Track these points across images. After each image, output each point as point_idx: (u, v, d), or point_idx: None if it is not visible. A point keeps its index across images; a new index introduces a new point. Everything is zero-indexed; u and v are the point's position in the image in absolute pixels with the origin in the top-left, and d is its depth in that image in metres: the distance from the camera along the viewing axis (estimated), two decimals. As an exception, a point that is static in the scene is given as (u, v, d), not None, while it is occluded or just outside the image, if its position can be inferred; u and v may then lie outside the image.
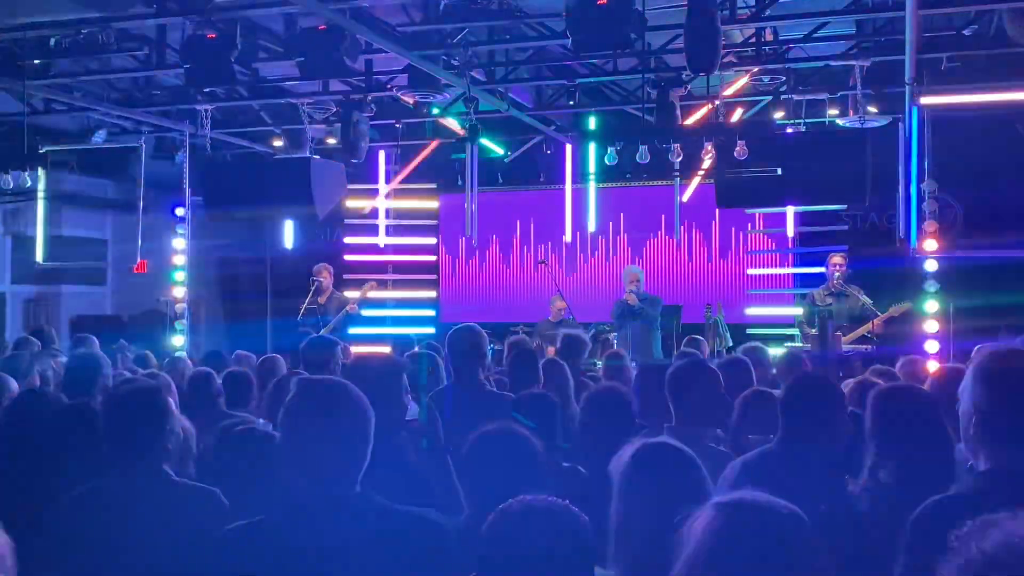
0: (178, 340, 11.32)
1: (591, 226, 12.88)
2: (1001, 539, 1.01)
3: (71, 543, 2.89)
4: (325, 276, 10.77)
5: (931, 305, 9.28)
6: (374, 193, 13.33)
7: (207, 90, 10.18)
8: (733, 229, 12.67)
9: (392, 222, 13.65)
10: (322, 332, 10.09)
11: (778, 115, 10.12)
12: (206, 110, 10.68)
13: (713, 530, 1.64)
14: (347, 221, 13.52)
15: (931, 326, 9.25)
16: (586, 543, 1.94)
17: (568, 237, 13.17)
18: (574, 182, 12.79)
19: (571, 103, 10.58)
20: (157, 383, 3.67)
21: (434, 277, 13.79)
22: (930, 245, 9.23)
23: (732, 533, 1.63)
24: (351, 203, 12.99)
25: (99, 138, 11.45)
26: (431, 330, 13.01)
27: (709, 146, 9.07)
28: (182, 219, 11.53)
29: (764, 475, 3.06)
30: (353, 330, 10.81)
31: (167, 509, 2.91)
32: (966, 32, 8.59)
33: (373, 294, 11.93)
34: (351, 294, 10.91)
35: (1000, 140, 8.97)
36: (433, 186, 13.54)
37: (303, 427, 2.34)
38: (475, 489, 2.83)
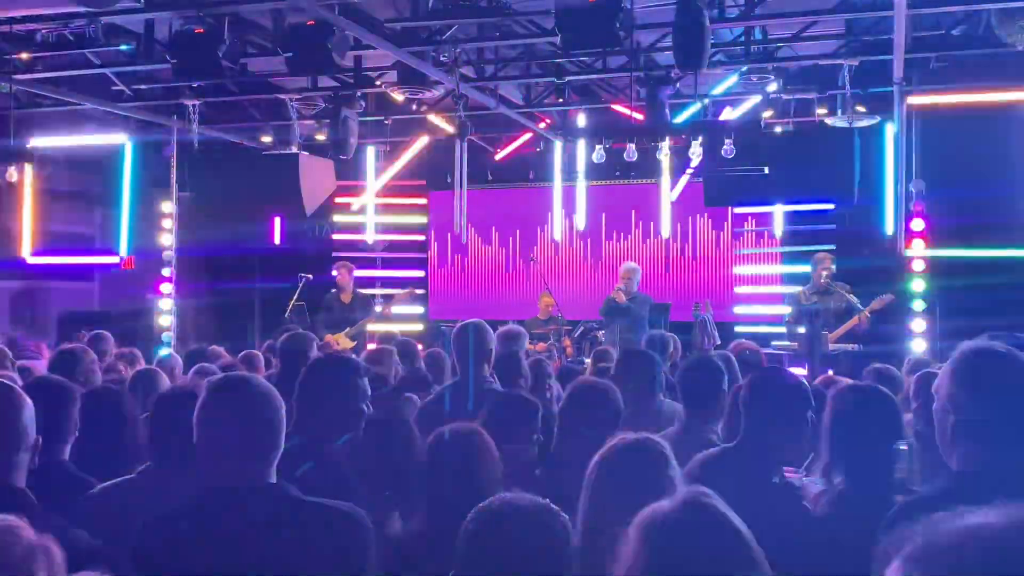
0: (165, 336, 11.29)
1: (580, 224, 12.89)
2: (945, 533, 1.01)
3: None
4: (344, 274, 10.57)
5: (918, 304, 9.31)
6: (363, 190, 13.30)
7: (195, 85, 10.13)
8: (721, 228, 12.68)
9: (381, 219, 13.62)
10: (347, 332, 9.98)
11: (767, 114, 10.12)
12: (194, 105, 10.62)
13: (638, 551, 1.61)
14: (336, 218, 13.48)
15: (918, 325, 9.29)
16: (565, 541, 1.93)
17: (557, 235, 13.18)
18: (563, 180, 12.78)
19: (560, 101, 10.57)
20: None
21: (423, 274, 13.77)
22: (917, 244, 9.27)
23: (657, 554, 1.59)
24: (340, 199, 12.95)
25: (87, 133, 11.40)
26: (419, 327, 13.02)
27: (697, 144, 9.06)
28: (169, 215, 11.49)
29: (720, 474, 3.04)
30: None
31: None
32: (955, 32, 8.61)
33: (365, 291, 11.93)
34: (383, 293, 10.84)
35: (988, 140, 8.99)
36: (422, 183, 13.51)
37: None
38: (433, 491, 2.83)
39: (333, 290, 10.56)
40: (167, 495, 2.59)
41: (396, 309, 11.01)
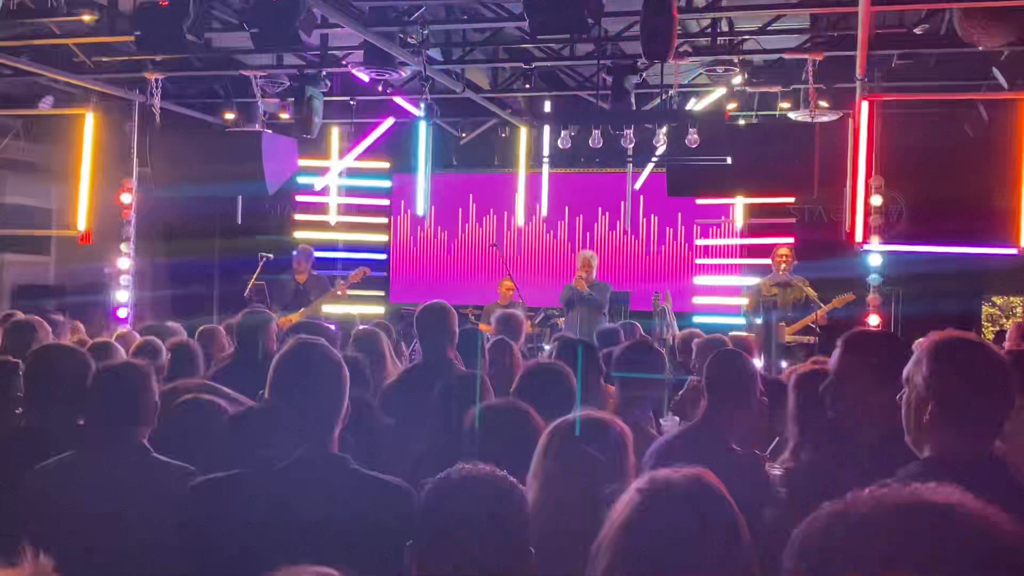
0: (122, 312, 11.15)
1: (544, 211, 12.91)
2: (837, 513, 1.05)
3: (46, 513, 2.93)
4: (301, 260, 10.64)
5: (874, 298, 9.44)
6: (326, 170, 13.21)
7: (159, 59, 10.00)
8: (683, 218, 12.77)
9: (344, 200, 13.55)
10: (302, 312, 9.95)
11: (731, 107, 10.19)
12: (157, 79, 10.48)
13: (630, 513, 1.65)
14: (298, 198, 13.39)
15: (873, 319, 9.41)
16: (522, 511, 1.96)
17: (520, 221, 13.19)
18: (528, 167, 12.78)
19: (527, 87, 10.56)
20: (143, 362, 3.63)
21: (384, 256, 13.73)
22: (875, 239, 9.39)
23: (648, 514, 1.63)
24: (302, 179, 12.86)
25: (46, 104, 11.21)
26: (380, 309, 12.99)
27: (662, 134, 9.11)
28: (129, 189, 11.34)
29: (683, 453, 3.09)
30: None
31: (145, 483, 2.96)
32: (917, 31, 8.71)
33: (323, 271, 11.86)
34: (337, 280, 10.80)
35: (947, 138, 9.13)
36: (386, 165, 13.46)
37: (287, 388, 2.51)
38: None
39: (289, 272, 10.54)
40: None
41: (355, 292, 10.98)
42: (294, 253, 10.65)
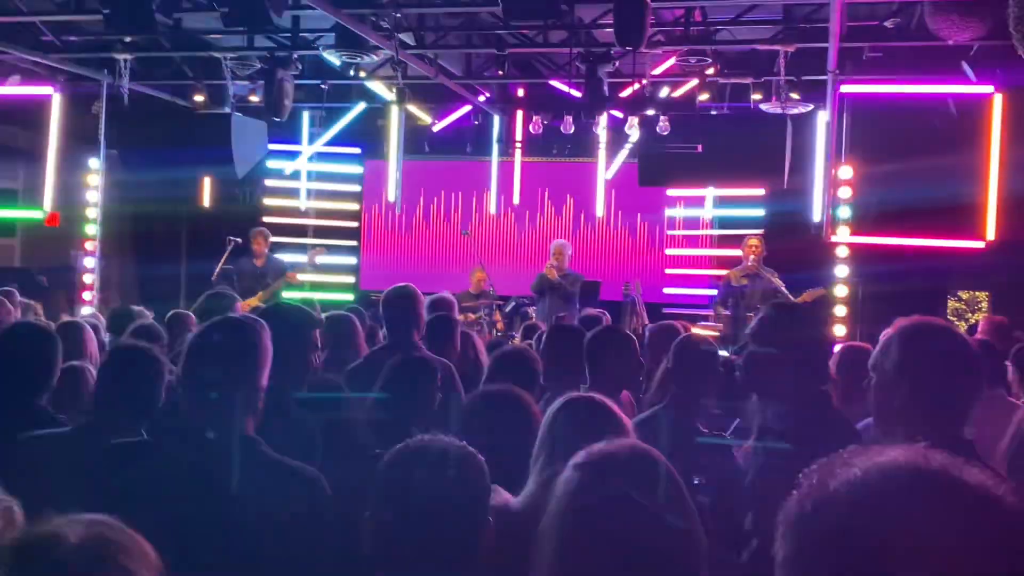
0: (88, 295, 11.03)
1: (516, 199, 12.89)
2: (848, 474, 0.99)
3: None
4: (260, 240, 10.59)
5: (840, 290, 9.50)
6: (296, 155, 13.11)
7: (127, 39, 9.87)
8: (654, 209, 12.78)
9: (314, 185, 13.46)
10: (260, 296, 9.91)
11: (703, 97, 10.21)
12: (125, 60, 10.33)
13: (571, 492, 1.62)
14: (267, 182, 13.28)
15: (839, 310, 9.48)
16: (480, 480, 1.95)
17: (492, 209, 13.16)
18: (500, 154, 12.75)
19: (500, 73, 10.52)
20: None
21: (355, 243, 13.65)
22: (843, 231, 9.45)
23: (589, 488, 1.61)
24: (272, 164, 12.76)
25: (12, 84, 11.03)
26: (350, 296, 12.92)
27: (634, 121, 9.11)
28: (96, 172, 11.21)
29: (653, 435, 3.10)
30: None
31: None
32: (888, 24, 8.75)
33: (292, 258, 11.79)
34: (291, 263, 10.72)
35: (917, 131, 9.19)
36: (357, 151, 13.37)
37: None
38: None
39: (247, 256, 10.48)
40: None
41: (325, 278, 10.93)
42: (230, 239, 10.55)
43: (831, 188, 9.53)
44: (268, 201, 13.39)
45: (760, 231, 10.71)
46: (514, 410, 2.86)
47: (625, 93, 10.60)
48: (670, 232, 12.71)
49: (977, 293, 12.29)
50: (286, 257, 11.42)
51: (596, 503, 1.57)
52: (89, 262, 11.13)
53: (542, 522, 1.64)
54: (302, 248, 12.66)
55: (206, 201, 12.95)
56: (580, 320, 7.29)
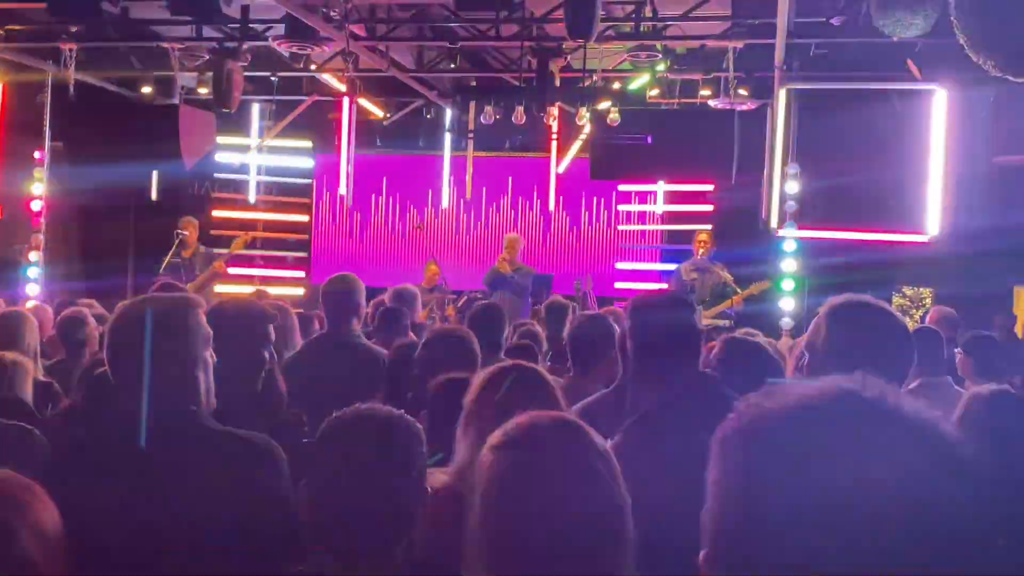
0: (32, 289, 10.84)
1: (468, 193, 12.89)
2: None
3: None
4: (190, 230, 10.43)
5: (787, 284, 9.62)
6: (246, 148, 12.98)
7: (73, 28, 9.70)
8: (605, 203, 12.87)
9: (264, 179, 13.35)
10: (188, 288, 9.79)
11: (653, 93, 10.28)
12: (71, 50, 10.16)
13: (493, 477, 1.58)
14: (216, 175, 13.15)
15: (787, 304, 9.61)
16: (417, 450, 1.94)
17: (445, 203, 13.16)
18: (453, 148, 12.74)
19: (452, 67, 10.52)
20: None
21: (306, 238, 13.56)
22: (789, 226, 9.57)
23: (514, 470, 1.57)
24: (221, 157, 12.63)
25: (-47, 73, 10.80)
26: (301, 291, 12.83)
27: (585, 113, 9.16)
28: (41, 164, 11.02)
29: (601, 415, 3.10)
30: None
31: None
32: (835, 21, 8.87)
33: (243, 252, 11.68)
34: (221, 251, 10.62)
35: (862, 128, 9.33)
36: (308, 144, 13.28)
37: (126, 350, 2.33)
38: None
39: (176, 247, 10.32)
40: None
41: (277, 273, 10.83)
42: (179, 230, 10.36)
43: (779, 183, 9.64)
44: (217, 195, 13.24)
45: (709, 226, 10.82)
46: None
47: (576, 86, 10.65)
48: (622, 227, 12.78)
49: (921, 289, 12.50)
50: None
51: (517, 488, 1.53)
52: (33, 256, 10.94)
53: (471, 524, 1.59)
54: (251, 243, 12.55)
55: (154, 194, 12.78)
56: (547, 308, 7.34)
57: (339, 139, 12.25)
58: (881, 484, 0.86)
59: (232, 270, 10.73)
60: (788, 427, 0.93)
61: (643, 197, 12.52)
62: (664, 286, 10.69)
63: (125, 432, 2.19)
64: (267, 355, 3.37)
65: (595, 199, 12.88)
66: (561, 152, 12.30)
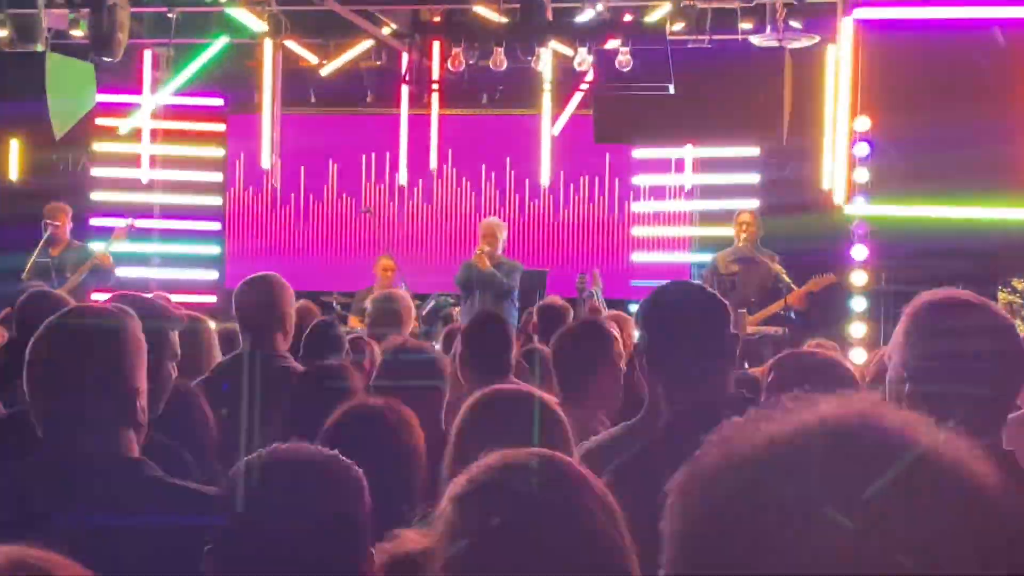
0: None
1: (433, 163, 12.84)
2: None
3: None
4: (61, 220, 10.41)
5: (858, 278, 9.61)
6: (136, 108, 12.91)
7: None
8: (617, 176, 12.84)
9: (160, 149, 13.28)
10: (57, 292, 9.76)
11: (677, 27, 10.26)
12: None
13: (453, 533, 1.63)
14: (97, 146, 13.08)
15: (858, 304, 9.60)
16: (358, 501, 1.97)
17: (403, 178, 13.10)
18: (412, 105, 12.69)
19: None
20: None
21: (218, 226, 13.50)
22: (861, 200, 9.56)
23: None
24: (103, 120, 12.56)
25: None
26: (212, 298, 12.76)
27: (586, 56, 9.14)
28: None
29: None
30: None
31: None
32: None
33: (131, 247, 11.62)
34: (97, 246, 10.57)
35: (952, 70, 9.32)
36: (219, 103, 13.22)
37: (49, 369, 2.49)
38: None
39: (42, 243, 10.30)
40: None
41: (165, 270, 10.77)
42: (48, 221, 10.34)
43: (844, 144, 9.64)
44: (97, 171, 13.17)
45: (755, 203, 10.79)
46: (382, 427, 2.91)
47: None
48: (638, 207, 12.75)
49: (1037, 282, 12.51)
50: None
51: (486, 553, 1.56)
52: None
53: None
54: (146, 235, 12.49)
55: (13, 172, 12.71)
56: (539, 311, 7.37)
57: (260, 96, 12.23)
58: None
59: (117, 272, 10.69)
60: (744, 481, 0.91)
61: (665, 166, 12.49)
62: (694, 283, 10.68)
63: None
64: (171, 371, 3.43)
65: (602, 170, 12.84)
66: (556, 108, 12.26)
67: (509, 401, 2.56)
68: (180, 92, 12.73)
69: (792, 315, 9.58)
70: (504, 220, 11.89)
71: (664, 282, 3.39)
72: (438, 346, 8.65)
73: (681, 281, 6.17)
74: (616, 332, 4.93)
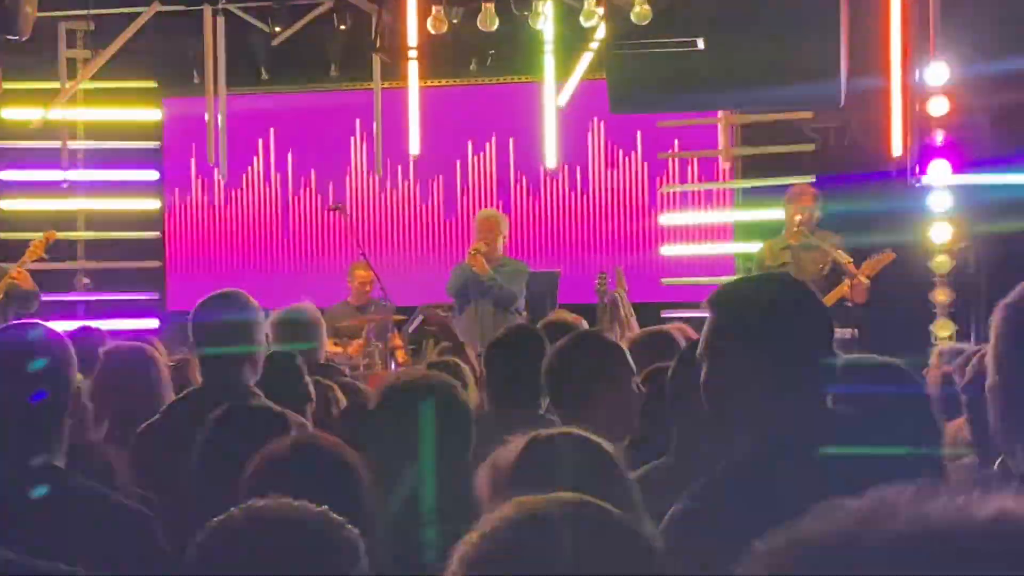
0: None
1: (413, 148, 12.81)
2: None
3: None
4: None
5: (940, 262, 9.58)
6: (50, 97, 12.90)
7: None
8: (637, 151, 12.82)
9: (83, 144, 13.29)
10: None
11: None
12: None
13: None
14: (2, 143, 13.10)
15: (941, 295, 9.56)
16: (353, 566, 2.01)
17: (378, 167, 13.07)
18: (385, 76, 12.66)
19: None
20: None
21: (156, 235, 13.49)
22: (939, 169, 9.52)
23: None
24: (10, 113, 12.58)
25: None
26: (153, 323, 12.76)
27: (595, 7, 9.13)
28: None
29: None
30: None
31: None
32: None
33: (52, 264, 11.61)
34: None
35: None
36: (151, 84, 13.21)
37: None
38: None
39: None
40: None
41: (94, 293, 10.74)
42: None
43: (916, 102, 9.61)
44: (6, 175, 13.20)
45: (809, 178, 10.76)
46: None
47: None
48: (666, 188, 12.74)
49: None
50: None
51: None
52: None
53: None
54: (69, 249, 12.49)
55: None
56: (544, 328, 7.33)
57: (201, 74, 12.21)
58: None
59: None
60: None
61: (697, 137, 12.51)
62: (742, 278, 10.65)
63: None
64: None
65: (620, 145, 12.82)
66: (561, 74, 12.22)
67: (561, 447, 2.54)
68: (104, 75, 12.72)
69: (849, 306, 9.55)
70: (504, 212, 11.86)
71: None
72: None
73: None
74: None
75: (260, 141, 13.33)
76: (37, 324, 3.71)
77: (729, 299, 3.08)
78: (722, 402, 2.91)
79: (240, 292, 5.19)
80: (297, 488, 2.75)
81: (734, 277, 9.47)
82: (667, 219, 12.74)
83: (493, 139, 13.18)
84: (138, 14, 12.06)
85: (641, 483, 3.53)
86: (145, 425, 4.84)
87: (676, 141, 12.66)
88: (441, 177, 13.29)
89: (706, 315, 2.97)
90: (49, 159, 13.19)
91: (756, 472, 2.74)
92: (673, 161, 12.78)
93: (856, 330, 9.45)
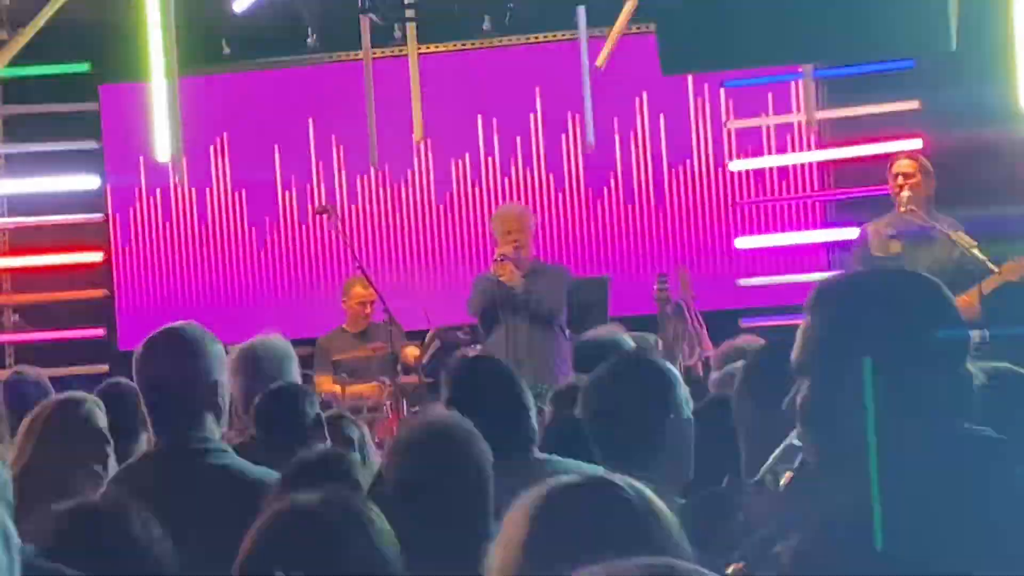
0: None
1: (416, 132, 12.86)
2: None
3: None
4: None
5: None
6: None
7: None
8: (700, 119, 12.82)
9: (4, 149, 13.38)
10: None
11: None
12: None
13: None
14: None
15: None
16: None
17: (373, 157, 13.10)
18: (377, 43, 12.71)
19: None
20: None
21: (100, 257, 13.54)
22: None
23: None
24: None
25: None
26: (103, 367, 12.81)
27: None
28: None
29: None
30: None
31: None
32: None
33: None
34: None
35: None
36: (84, 68, 13.29)
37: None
38: None
39: None
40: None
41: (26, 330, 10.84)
42: None
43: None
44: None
45: (916, 143, 10.78)
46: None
47: None
48: (738, 164, 12.74)
49: None
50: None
51: None
52: None
53: None
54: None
55: None
56: (577, 352, 7.34)
57: (146, 53, 12.28)
58: None
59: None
60: None
61: (773, 99, 12.51)
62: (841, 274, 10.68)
63: None
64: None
65: (677, 115, 12.83)
66: (598, 29, 12.25)
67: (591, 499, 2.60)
68: (24, 56, 12.81)
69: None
70: (529, 208, 11.84)
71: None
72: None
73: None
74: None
75: (224, 134, 13.36)
76: None
77: (840, 298, 3.06)
78: (832, 428, 2.91)
79: (188, 327, 5.09)
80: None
81: (832, 273, 9.50)
82: (741, 201, 12.72)
83: (515, 115, 13.16)
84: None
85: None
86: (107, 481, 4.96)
87: (751, 102, 12.67)
88: (452, 166, 13.30)
89: (796, 323, 2.99)
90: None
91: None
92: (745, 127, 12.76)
93: (985, 332, 9.47)
